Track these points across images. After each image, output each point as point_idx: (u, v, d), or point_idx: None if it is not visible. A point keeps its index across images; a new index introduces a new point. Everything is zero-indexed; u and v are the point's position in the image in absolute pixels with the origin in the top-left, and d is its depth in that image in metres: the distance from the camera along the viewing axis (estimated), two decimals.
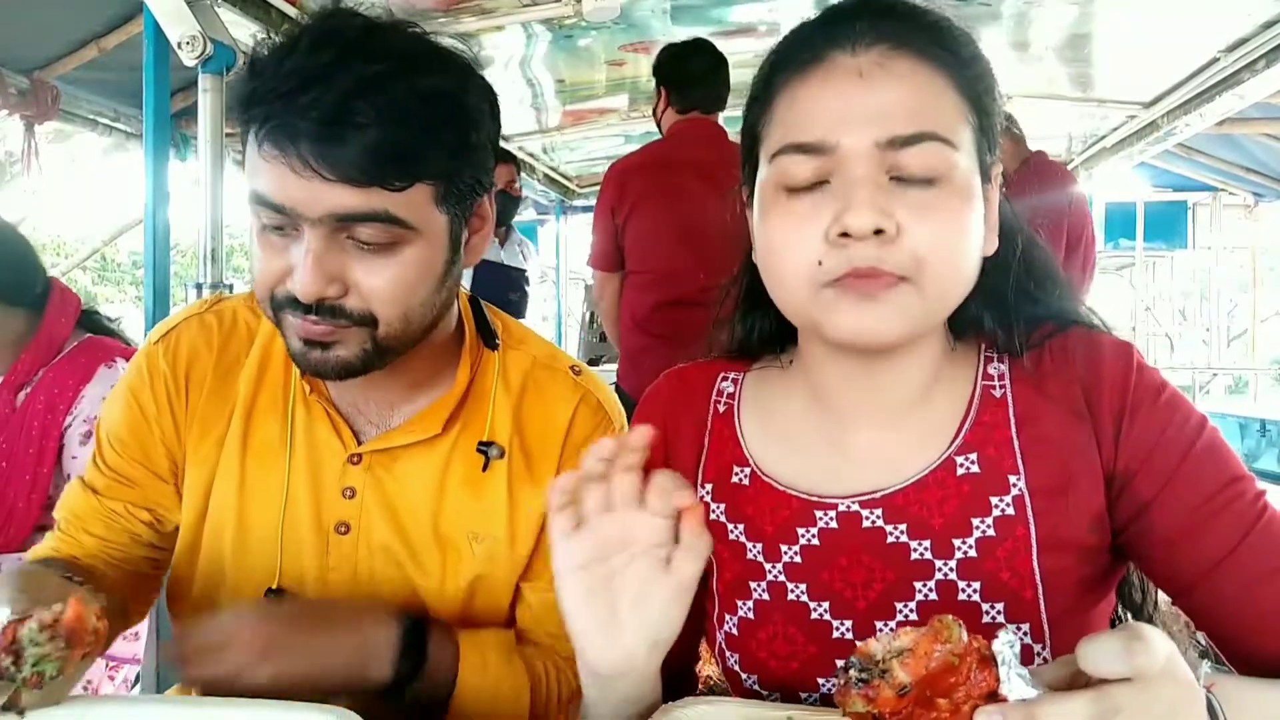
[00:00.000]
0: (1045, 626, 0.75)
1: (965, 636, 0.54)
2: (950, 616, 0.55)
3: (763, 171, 0.78)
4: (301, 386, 1.00)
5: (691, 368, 0.96)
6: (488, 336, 1.05)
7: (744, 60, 2.98)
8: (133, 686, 2.02)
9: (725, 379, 0.93)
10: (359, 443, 1.00)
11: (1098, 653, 0.49)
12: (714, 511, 0.87)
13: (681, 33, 3.14)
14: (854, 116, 0.72)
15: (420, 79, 0.84)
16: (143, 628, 1.94)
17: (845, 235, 0.70)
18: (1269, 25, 3.01)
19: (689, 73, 2.83)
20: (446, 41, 0.90)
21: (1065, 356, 0.81)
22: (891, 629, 0.68)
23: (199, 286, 2.29)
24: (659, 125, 2.98)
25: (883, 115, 0.71)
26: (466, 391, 1.01)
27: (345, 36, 0.83)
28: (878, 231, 0.70)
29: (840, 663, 0.83)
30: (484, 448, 1.00)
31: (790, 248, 0.74)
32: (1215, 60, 3.37)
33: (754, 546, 0.84)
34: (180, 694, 1.01)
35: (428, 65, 0.86)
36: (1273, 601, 0.73)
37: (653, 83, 2.94)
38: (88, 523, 1.02)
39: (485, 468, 1.00)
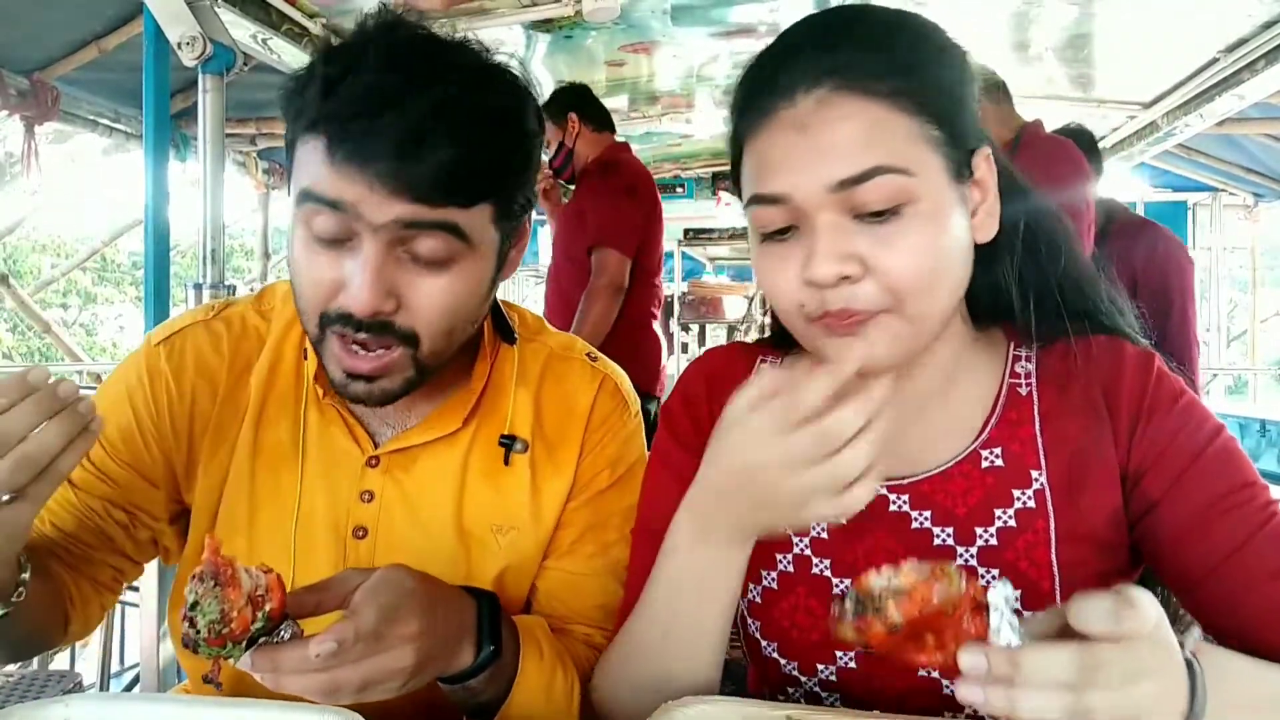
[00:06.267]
0: None
1: (964, 586, 0.55)
2: (954, 565, 0.55)
3: (745, 206, 0.80)
4: (315, 390, 0.98)
5: (734, 347, 0.99)
6: (505, 332, 1.05)
7: (743, 61, 2.98)
8: (132, 686, 2.02)
9: (764, 361, 0.95)
10: (375, 445, 0.98)
11: (1090, 611, 0.52)
12: None
13: (681, 33, 3.15)
14: (799, 166, 0.73)
15: (489, 99, 0.86)
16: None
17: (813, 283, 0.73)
18: (1269, 25, 3.01)
19: (596, 99, 3.20)
20: (500, 59, 0.91)
21: (1089, 360, 0.83)
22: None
23: (199, 286, 2.29)
24: (564, 155, 3.17)
25: (826, 161, 0.72)
26: (485, 386, 1.01)
27: (413, 55, 0.84)
28: (844, 277, 0.72)
29: (837, 589, 0.83)
30: (506, 441, 0.99)
31: (775, 289, 0.78)
32: (1215, 60, 3.37)
33: None
34: (181, 693, 1.01)
35: (494, 85, 0.88)
36: (1275, 601, 0.73)
37: (653, 83, 2.95)
38: (56, 515, 0.94)
39: (507, 461, 0.99)
